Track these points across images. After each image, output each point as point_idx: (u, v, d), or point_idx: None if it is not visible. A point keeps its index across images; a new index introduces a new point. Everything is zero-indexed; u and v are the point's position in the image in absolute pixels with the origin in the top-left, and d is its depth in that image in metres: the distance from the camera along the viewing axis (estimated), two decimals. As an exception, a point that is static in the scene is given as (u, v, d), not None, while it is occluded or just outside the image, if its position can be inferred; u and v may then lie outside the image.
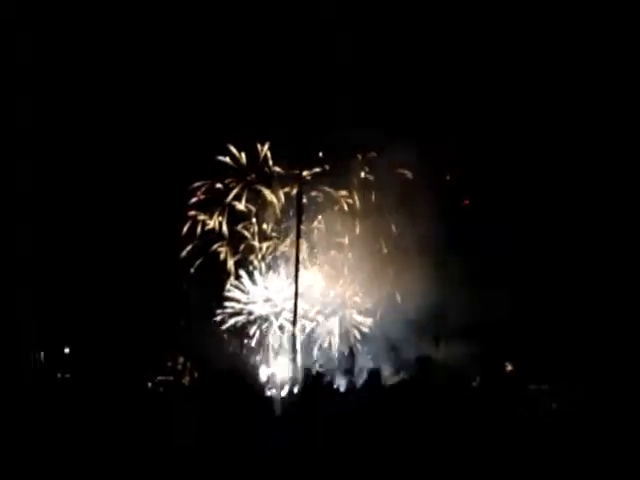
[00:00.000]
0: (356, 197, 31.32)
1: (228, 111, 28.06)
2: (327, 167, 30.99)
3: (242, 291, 31.01)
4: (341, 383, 21.96)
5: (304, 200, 29.40)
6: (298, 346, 27.92)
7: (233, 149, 30.98)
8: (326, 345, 30.67)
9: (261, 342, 30.93)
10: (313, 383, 13.57)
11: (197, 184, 30.72)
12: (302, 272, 28.64)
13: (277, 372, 28.47)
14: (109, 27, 26.38)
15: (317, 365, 27.04)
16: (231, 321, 30.66)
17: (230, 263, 31.14)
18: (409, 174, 29.76)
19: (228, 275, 31.10)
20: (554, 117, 26.95)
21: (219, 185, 31.09)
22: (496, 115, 27.25)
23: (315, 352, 30.46)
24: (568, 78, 26.47)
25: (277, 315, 30.76)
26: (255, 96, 27.74)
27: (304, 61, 26.79)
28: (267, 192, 31.34)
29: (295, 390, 16.62)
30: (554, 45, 26.39)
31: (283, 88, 27.45)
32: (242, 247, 31.45)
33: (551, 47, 26.44)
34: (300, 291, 28.25)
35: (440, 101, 27.93)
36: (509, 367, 23.70)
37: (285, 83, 27.45)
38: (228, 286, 30.92)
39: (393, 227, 30.00)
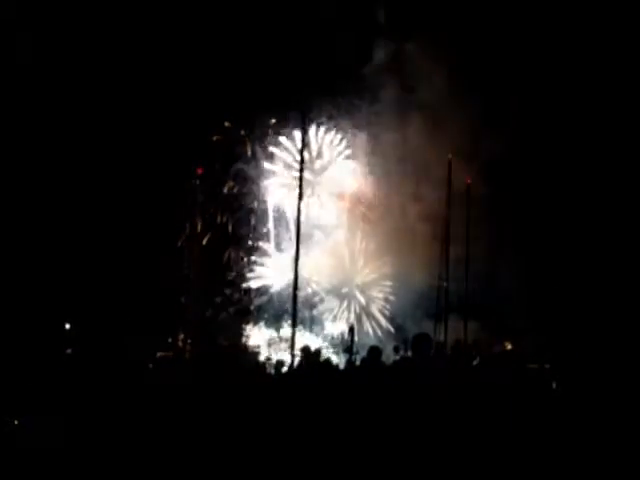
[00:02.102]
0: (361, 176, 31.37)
1: (228, 92, 27.99)
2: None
3: (242, 277, 30.94)
4: (341, 361, 22.12)
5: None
6: (300, 326, 27.98)
7: (228, 124, 30.72)
8: (328, 324, 30.76)
9: (265, 320, 31.00)
10: (311, 360, 13.61)
11: (196, 167, 30.66)
12: (308, 252, 28.65)
13: (278, 351, 28.56)
14: (109, 15, 26.30)
15: (318, 344, 27.13)
16: (232, 309, 30.66)
17: (230, 248, 31.13)
18: (414, 153, 29.71)
19: (229, 256, 31.13)
20: (563, 100, 26.91)
21: (217, 165, 31.02)
22: (497, 94, 27.24)
23: (317, 331, 30.54)
24: (581, 64, 26.44)
25: (279, 296, 30.72)
26: (256, 76, 27.69)
27: (305, 44, 26.69)
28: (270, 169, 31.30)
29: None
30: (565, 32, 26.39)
31: (286, 66, 27.35)
32: (244, 227, 31.47)
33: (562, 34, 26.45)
34: (307, 271, 28.32)
35: (444, 81, 27.94)
36: (509, 346, 23.72)
37: (288, 62, 27.34)
38: (231, 273, 30.91)
39: (398, 206, 30.05)
